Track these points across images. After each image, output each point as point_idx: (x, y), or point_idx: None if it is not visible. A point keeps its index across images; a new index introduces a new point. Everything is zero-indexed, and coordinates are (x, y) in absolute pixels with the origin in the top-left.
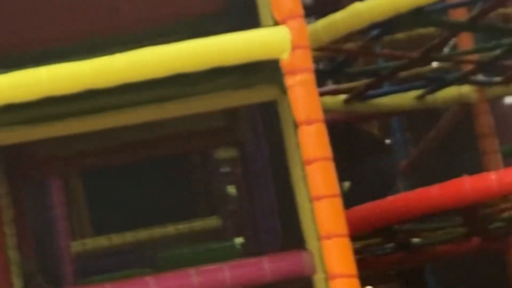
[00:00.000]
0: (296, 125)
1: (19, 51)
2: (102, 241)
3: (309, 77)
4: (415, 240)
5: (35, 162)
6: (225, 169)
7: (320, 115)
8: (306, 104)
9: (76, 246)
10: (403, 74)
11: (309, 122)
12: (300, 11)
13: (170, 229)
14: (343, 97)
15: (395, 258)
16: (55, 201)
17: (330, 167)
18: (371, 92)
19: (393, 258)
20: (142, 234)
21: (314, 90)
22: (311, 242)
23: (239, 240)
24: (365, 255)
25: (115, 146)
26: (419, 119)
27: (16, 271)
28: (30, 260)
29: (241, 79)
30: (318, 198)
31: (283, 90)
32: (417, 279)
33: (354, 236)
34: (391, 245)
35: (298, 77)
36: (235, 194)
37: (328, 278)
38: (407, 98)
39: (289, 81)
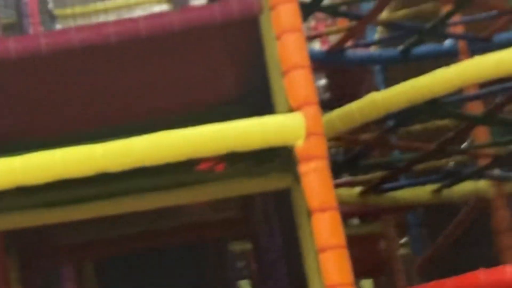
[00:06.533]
0: (309, 213)
1: (37, 136)
2: None
3: (323, 164)
4: None
5: (48, 249)
6: (240, 263)
7: (334, 202)
8: (319, 191)
9: None
10: (419, 167)
11: (323, 210)
12: (315, 98)
13: None
14: (358, 189)
15: None
16: None
17: (344, 255)
18: (387, 185)
19: None
20: None
21: (328, 177)
22: None
23: None
24: None
25: (129, 235)
26: (435, 214)
27: None
28: None
29: (255, 167)
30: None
31: (296, 178)
32: None
33: None
34: None
35: (313, 164)
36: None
37: None
38: (423, 192)
39: (303, 168)
